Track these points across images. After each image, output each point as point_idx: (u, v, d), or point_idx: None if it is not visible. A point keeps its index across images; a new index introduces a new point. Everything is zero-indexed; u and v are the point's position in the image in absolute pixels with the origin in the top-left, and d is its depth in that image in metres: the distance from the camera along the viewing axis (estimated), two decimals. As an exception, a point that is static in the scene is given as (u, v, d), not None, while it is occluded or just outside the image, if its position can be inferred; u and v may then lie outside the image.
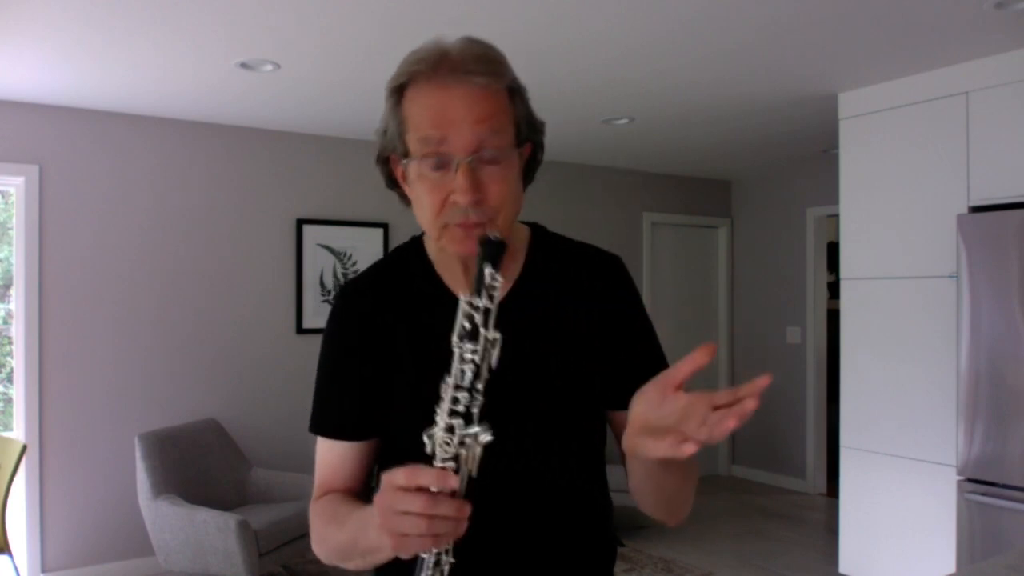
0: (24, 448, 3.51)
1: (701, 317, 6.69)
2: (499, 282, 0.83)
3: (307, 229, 4.91)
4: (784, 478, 6.27)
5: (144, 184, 4.42)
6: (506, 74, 0.97)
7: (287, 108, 4.30)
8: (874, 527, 3.94)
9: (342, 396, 1.08)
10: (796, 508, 5.69)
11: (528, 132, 1.01)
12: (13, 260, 4.20)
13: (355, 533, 0.95)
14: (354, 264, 5.04)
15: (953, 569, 3.44)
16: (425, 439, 0.84)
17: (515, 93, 0.99)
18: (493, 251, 0.84)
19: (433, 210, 0.96)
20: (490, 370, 0.83)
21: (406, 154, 0.99)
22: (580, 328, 0.93)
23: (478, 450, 0.82)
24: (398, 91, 1.00)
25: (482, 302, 0.82)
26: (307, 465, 5.23)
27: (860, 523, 4.01)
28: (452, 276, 1.07)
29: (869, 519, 3.97)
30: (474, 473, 0.83)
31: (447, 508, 0.80)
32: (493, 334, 0.82)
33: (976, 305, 3.37)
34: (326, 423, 1.09)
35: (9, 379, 4.33)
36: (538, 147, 1.05)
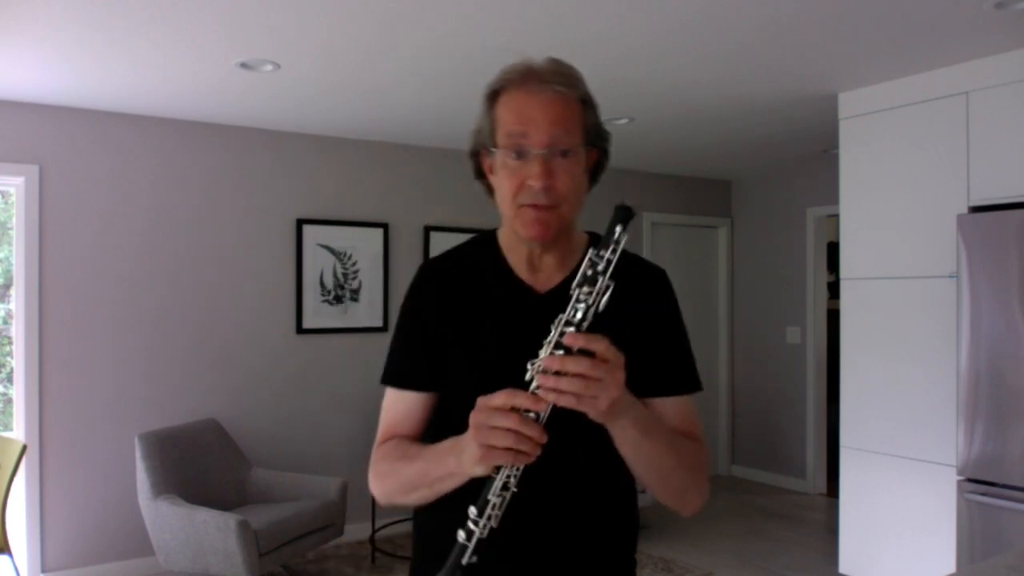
0: (24, 448, 3.51)
1: (701, 317, 6.69)
2: (624, 238, 0.99)
3: (307, 229, 4.91)
4: (784, 478, 6.27)
5: (144, 184, 4.42)
6: (580, 87, 1.19)
7: (287, 108, 4.30)
8: (874, 527, 3.94)
9: (414, 353, 1.25)
10: (796, 508, 5.69)
11: (595, 139, 1.20)
12: (13, 260, 4.20)
13: (427, 465, 1.13)
14: (354, 264, 5.04)
15: (953, 569, 3.44)
16: (528, 366, 0.99)
17: (587, 104, 1.19)
18: (624, 215, 1.00)
19: (512, 192, 1.15)
20: (596, 312, 0.98)
21: (495, 147, 1.17)
22: (624, 324, 1.05)
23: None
24: (493, 96, 1.19)
25: (607, 254, 0.98)
26: (307, 465, 5.26)
27: (860, 523, 4.01)
28: (519, 263, 1.24)
29: (869, 519, 3.97)
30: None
31: (532, 429, 0.97)
32: (608, 281, 0.98)
33: (976, 305, 3.37)
34: (399, 375, 1.26)
35: (9, 379, 4.33)
36: (604, 154, 1.23)
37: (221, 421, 4.44)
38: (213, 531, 3.48)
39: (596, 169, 1.23)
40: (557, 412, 0.99)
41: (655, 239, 6.44)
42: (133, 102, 4.14)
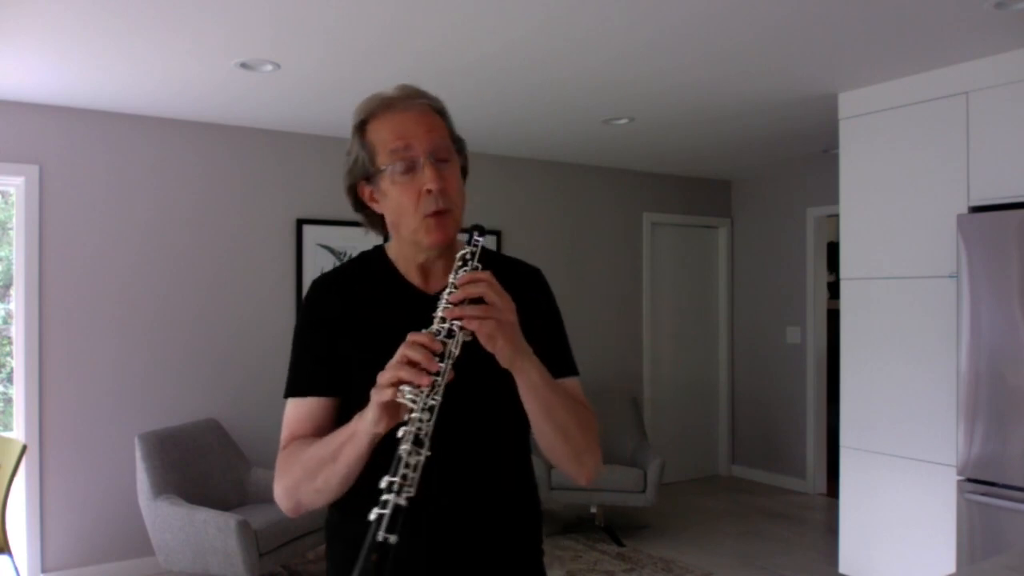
0: (24, 448, 3.51)
1: (701, 317, 6.69)
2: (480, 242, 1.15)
3: (307, 229, 4.91)
4: (784, 478, 6.27)
5: (144, 184, 4.42)
6: (437, 100, 1.29)
7: (287, 108, 4.30)
8: (874, 527, 3.94)
9: (311, 362, 1.31)
10: (796, 508, 5.69)
11: (459, 146, 1.30)
12: (13, 260, 4.20)
13: (330, 437, 1.17)
14: (354, 264, 5.05)
15: (953, 569, 3.44)
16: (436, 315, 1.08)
17: (444, 114, 1.29)
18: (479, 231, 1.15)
19: (411, 205, 1.21)
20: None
21: (376, 172, 1.24)
22: None
23: (460, 338, 1.07)
24: (361, 127, 1.26)
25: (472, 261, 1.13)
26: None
27: (860, 523, 4.01)
28: (410, 272, 1.32)
29: (869, 519, 3.97)
30: (456, 351, 1.06)
31: (421, 352, 1.04)
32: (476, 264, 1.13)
33: (976, 305, 3.37)
34: (298, 385, 1.32)
35: (9, 379, 4.33)
36: (465, 158, 1.32)
37: (221, 421, 4.44)
38: (213, 531, 3.48)
39: (463, 172, 1.31)
40: (467, 386, 1.09)
41: (655, 239, 6.44)
42: (133, 102, 4.14)
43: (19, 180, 4.08)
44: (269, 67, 3.55)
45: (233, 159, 4.69)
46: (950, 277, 3.60)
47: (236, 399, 4.64)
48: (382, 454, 1.05)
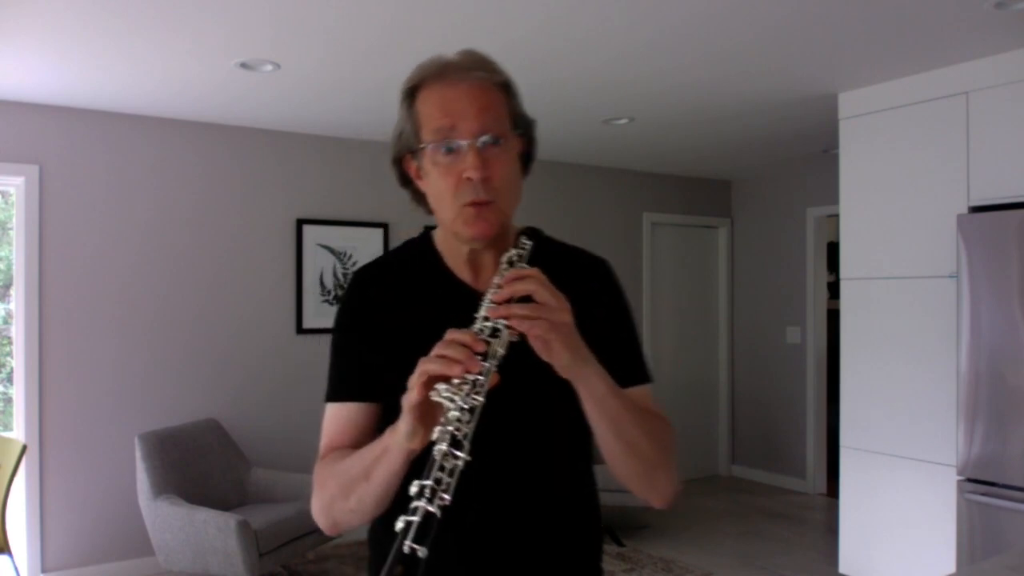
0: (24, 448, 3.51)
1: (701, 317, 6.69)
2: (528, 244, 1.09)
3: (307, 229, 4.91)
4: (784, 478, 6.26)
5: (144, 184, 4.42)
6: (500, 73, 1.13)
7: (287, 108, 4.30)
8: (874, 527, 3.94)
9: (354, 364, 1.19)
10: (796, 508, 5.69)
11: (522, 125, 1.16)
12: (13, 260, 4.20)
13: (363, 451, 1.06)
14: (354, 264, 5.04)
15: (953, 569, 3.44)
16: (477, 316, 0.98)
17: (509, 90, 1.13)
18: (531, 234, 1.12)
19: (448, 191, 1.08)
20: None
21: (419, 148, 1.11)
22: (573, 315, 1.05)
23: (506, 337, 0.96)
24: (410, 95, 1.12)
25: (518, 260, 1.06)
26: (307, 465, 5.25)
27: (860, 523, 4.01)
28: (458, 264, 1.19)
29: (869, 519, 3.97)
30: (503, 350, 0.95)
31: (457, 348, 0.93)
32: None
33: (976, 305, 3.37)
34: (340, 389, 1.19)
35: (9, 379, 4.33)
36: (531, 141, 1.19)
37: (221, 421, 4.44)
38: (213, 531, 3.48)
39: (526, 158, 1.18)
40: (517, 392, 0.98)
41: (655, 239, 6.44)
42: (133, 102, 4.14)
43: (19, 180, 4.08)
44: (269, 67, 3.55)
45: (233, 159, 4.69)
46: (950, 277, 3.60)
47: (236, 399, 4.64)
48: (422, 468, 0.91)
